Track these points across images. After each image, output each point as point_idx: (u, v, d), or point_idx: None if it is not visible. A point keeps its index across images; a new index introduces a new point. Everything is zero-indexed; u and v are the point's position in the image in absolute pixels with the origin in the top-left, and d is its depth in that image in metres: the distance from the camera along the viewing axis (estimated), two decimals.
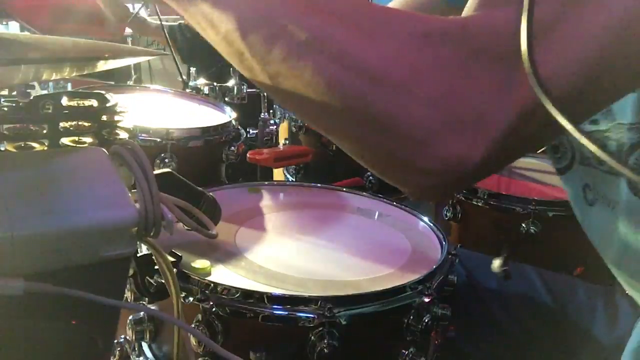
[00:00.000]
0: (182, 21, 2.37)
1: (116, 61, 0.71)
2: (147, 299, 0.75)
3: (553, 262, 1.05)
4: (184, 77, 2.21)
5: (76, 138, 0.70)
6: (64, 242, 0.45)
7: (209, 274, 0.76)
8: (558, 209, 1.15)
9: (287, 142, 1.49)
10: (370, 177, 1.38)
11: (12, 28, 3.19)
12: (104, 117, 0.75)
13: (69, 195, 0.48)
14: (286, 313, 0.69)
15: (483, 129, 0.42)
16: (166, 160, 1.17)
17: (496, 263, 0.93)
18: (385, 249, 0.90)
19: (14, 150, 0.65)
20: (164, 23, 2.35)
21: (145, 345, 0.84)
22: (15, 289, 0.43)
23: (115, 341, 0.82)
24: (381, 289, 0.74)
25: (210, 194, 0.82)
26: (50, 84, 2.33)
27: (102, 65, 0.68)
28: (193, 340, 0.70)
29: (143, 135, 1.16)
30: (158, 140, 1.17)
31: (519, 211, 1.15)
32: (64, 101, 0.75)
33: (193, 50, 2.23)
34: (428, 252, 0.88)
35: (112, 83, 1.81)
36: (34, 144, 0.67)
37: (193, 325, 0.70)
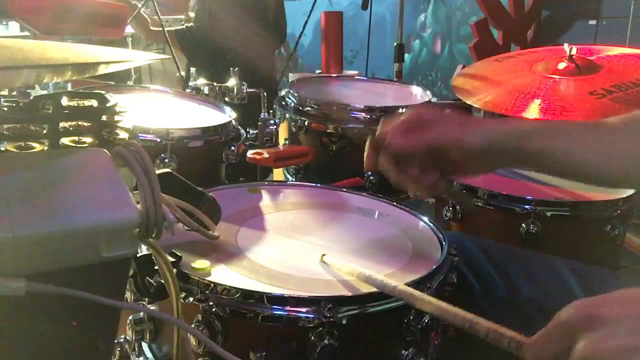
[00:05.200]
0: (188, 24, 2.37)
1: (117, 65, 0.71)
2: (147, 299, 0.75)
3: None
4: (183, 74, 2.21)
5: (76, 138, 0.70)
6: (65, 243, 0.45)
7: (208, 274, 0.76)
8: (558, 209, 1.15)
9: (287, 142, 1.49)
10: (371, 177, 1.38)
11: (12, 28, 3.20)
12: (104, 117, 0.75)
13: (71, 196, 0.48)
14: (286, 313, 0.69)
15: None
16: (166, 160, 1.17)
17: None
18: (385, 249, 0.90)
19: (14, 150, 0.65)
20: (164, 25, 2.35)
21: (145, 345, 0.84)
22: (17, 289, 0.43)
23: (115, 341, 0.82)
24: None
25: (210, 194, 0.82)
26: (50, 84, 2.33)
27: (103, 69, 0.68)
28: (193, 341, 0.70)
29: (143, 135, 1.16)
30: (158, 140, 1.17)
31: (519, 211, 1.15)
32: (64, 101, 0.75)
33: (195, 51, 2.23)
34: (428, 252, 0.88)
35: (112, 83, 1.80)
36: (34, 144, 0.67)
37: (193, 326, 0.71)
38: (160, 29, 2.18)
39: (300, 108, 1.41)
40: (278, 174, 1.63)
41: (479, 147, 0.79)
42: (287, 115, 1.44)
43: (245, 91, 1.52)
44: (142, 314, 0.80)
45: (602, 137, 0.80)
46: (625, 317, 0.46)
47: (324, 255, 0.82)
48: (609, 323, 0.47)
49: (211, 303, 0.70)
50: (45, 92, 1.20)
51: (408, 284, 0.74)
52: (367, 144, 0.86)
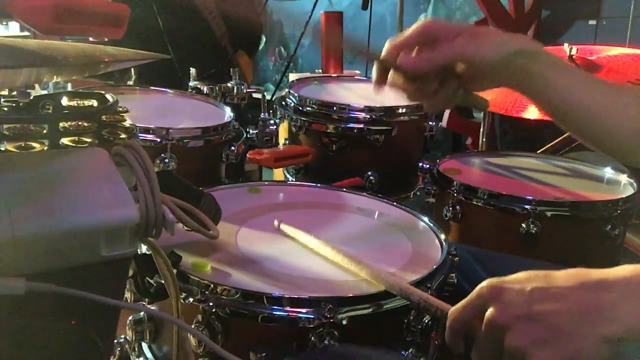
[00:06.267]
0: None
1: (117, 65, 0.71)
2: (146, 299, 0.75)
3: (553, 262, 1.05)
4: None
5: (76, 138, 0.70)
6: (65, 242, 0.45)
7: (208, 274, 0.76)
8: (558, 209, 1.15)
9: (287, 142, 1.49)
10: (371, 177, 1.38)
11: (12, 28, 3.19)
12: (104, 117, 0.75)
13: (70, 196, 0.48)
14: (286, 314, 0.69)
15: None
16: (166, 160, 1.17)
17: None
18: (385, 249, 0.90)
19: (14, 150, 0.65)
20: None
21: (145, 346, 0.84)
22: (16, 288, 0.43)
23: (115, 341, 0.82)
24: (381, 289, 0.74)
25: (210, 194, 0.82)
26: (50, 84, 2.33)
27: (103, 69, 0.68)
28: (193, 341, 0.70)
29: (143, 135, 1.16)
30: (158, 140, 1.17)
31: (519, 211, 1.15)
32: (64, 101, 0.75)
33: (190, 53, 2.24)
34: (428, 252, 0.88)
35: (112, 83, 1.80)
36: (34, 144, 0.67)
37: (193, 326, 0.70)
38: None
39: (300, 108, 1.41)
40: (278, 174, 1.63)
41: (491, 61, 0.77)
42: (287, 115, 1.44)
43: (245, 91, 1.52)
44: (142, 314, 0.80)
45: (608, 91, 0.80)
46: (522, 291, 0.57)
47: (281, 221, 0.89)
48: (508, 296, 0.58)
49: (211, 303, 0.70)
50: (45, 92, 1.20)
51: (410, 284, 0.74)
52: (375, 65, 0.83)
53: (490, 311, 0.58)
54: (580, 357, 0.55)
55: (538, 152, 1.50)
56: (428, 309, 0.67)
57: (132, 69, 2.15)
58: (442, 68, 0.79)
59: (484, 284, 0.61)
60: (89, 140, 0.71)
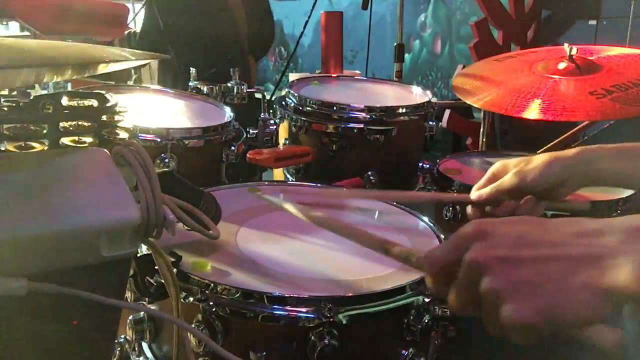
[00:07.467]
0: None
1: (117, 65, 0.71)
2: (147, 299, 0.75)
3: None
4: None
5: (76, 138, 0.70)
6: (66, 242, 0.45)
7: (208, 273, 0.76)
8: (558, 209, 1.15)
9: (287, 142, 1.49)
10: (371, 177, 1.38)
11: (12, 28, 3.20)
12: (104, 117, 0.75)
13: (71, 196, 0.48)
14: (286, 313, 0.69)
15: None
16: (166, 160, 1.17)
17: None
18: None
19: (14, 150, 0.65)
20: None
21: (145, 345, 0.84)
22: (18, 289, 0.44)
23: (116, 341, 0.82)
24: (381, 289, 0.74)
25: (210, 194, 0.82)
26: (50, 83, 2.33)
27: (103, 69, 0.68)
28: (193, 340, 0.70)
29: (143, 135, 1.16)
30: (158, 140, 1.17)
31: None
32: (64, 101, 0.75)
33: (191, 52, 2.24)
34: None
35: (112, 83, 1.80)
36: (34, 144, 0.67)
37: (193, 325, 0.71)
38: None
39: (300, 108, 1.41)
40: (278, 174, 1.63)
41: (546, 183, 0.87)
42: (287, 115, 1.44)
43: (245, 91, 1.52)
44: (142, 313, 0.80)
45: None
46: (507, 234, 0.52)
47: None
48: (494, 237, 0.52)
49: (211, 303, 0.70)
50: (45, 92, 1.20)
51: (409, 284, 0.74)
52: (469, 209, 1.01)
53: (470, 250, 0.52)
54: (569, 312, 0.46)
55: (538, 152, 1.50)
56: (408, 259, 0.61)
57: (133, 69, 2.14)
58: (510, 196, 0.90)
59: (468, 224, 0.54)
60: (89, 140, 0.71)
